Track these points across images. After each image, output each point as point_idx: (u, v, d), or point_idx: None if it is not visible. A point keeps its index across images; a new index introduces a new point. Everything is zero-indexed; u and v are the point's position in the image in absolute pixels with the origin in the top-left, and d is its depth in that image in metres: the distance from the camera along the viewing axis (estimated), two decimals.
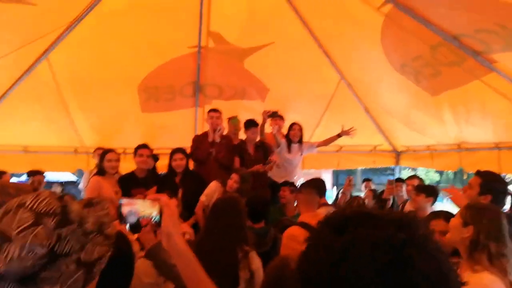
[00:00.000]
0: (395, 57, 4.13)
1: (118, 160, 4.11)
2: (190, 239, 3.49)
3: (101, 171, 4.01)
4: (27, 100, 4.84)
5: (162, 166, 5.00)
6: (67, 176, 9.77)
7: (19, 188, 1.45)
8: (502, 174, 4.22)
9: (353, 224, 0.56)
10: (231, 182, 3.90)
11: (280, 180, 4.68)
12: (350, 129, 4.91)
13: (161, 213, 1.03)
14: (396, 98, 4.99)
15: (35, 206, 0.78)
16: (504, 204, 2.71)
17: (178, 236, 1.02)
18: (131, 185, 4.06)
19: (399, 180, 5.34)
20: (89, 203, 0.87)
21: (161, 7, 4.12)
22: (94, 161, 5.40)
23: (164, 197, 1.05)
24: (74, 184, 10.40)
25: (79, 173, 6.53)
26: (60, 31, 4.20)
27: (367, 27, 3.99)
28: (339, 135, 4.98)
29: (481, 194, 2.62)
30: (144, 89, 5.08)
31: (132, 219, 1.04)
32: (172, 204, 1.05)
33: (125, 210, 1.04)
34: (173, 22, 4.34)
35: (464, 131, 4.55)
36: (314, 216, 2.78)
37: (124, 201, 1.06)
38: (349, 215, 0.58)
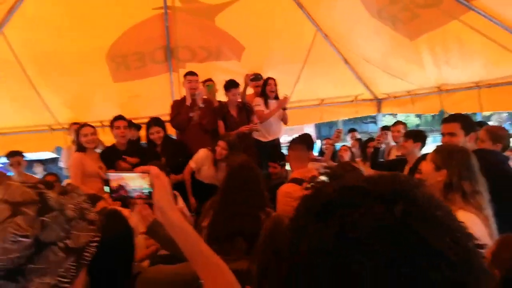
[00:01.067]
0: (371, 3, 3.98)
1: (94, 133, 3.96)
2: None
3: (80, 147, 3.88)
4: None
5: (143, 137, 4.90)
6: (47, 154, 9.53)
7: None
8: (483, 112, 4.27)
9: (340, 207, 0.48)
10: (219, 149, 3.84)
11: (265, 140, 4.65)
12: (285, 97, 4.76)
13: (152, 185, 0.96)
14: (374, 45, 4.88)
15: (7, 197, 0.72)
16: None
17: (171, 209, 0.97)
18: (113, 159, 3.98)
19: (385, 128, 5.37)
20: (64, 191, 0.81)
21: None
22: (70, 138, 5.25)
23: (154, 169, 0.98)
24: (55, 161, 10.21)
25: (58, 151, 6.34)
26: (11, 3, 3.88)
27: None
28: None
29: (466, 135, 2.60)
30: (113, 58, 4.83)
31: (122, 193, 0.99)
32: (163, 176, 0.99)
33: (113, 184, 0.99)
34: None
35: (444, 73, 4.53)
36: (306, 172, 2.78)
37: (112, 175, 1.00)
38: (333, 197, 0.50)
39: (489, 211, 1.87)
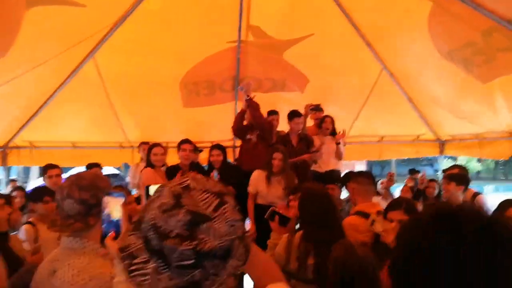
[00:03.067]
0: (443, 44, 3.98)
1: (164, 153, 4.27)
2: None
3: (150, 164, 4.16)
4: (75, 99, 5.05)
5: (204, 159, 5.13)
6: (110, 170, 10.20)
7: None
8: None
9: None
10: (276, 162, 3.97)
11: (322, 170, 4.72)
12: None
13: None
14: (443, 86, 4.82)
15: (204, 188, 0.81)
16: None
17: None
18: (174, 176, 4.20)
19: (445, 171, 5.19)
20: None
21: (202, 3, 4.16)
22: (138, 155, 5.60)
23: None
24: (117, 176, 10.85)
25: (125, 167, 6.77)
26: (105, 31, 4.34)
27: (413, 15, 3.87)
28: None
29: None
30: (185, 85, 5.17)
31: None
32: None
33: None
34: (213, 18, 4.38)
35: None
36: (371, 206, 2.78)
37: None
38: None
39: None
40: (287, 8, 4.32)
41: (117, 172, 11.18)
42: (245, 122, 4.73)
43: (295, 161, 4.53)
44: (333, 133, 4.99)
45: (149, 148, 4.29)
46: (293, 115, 4.69)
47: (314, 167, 4.87)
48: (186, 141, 4.44)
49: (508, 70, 3.69)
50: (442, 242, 0.61)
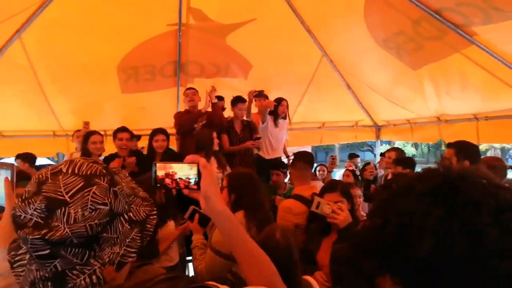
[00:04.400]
0: (378, 32, 4.16)
1: (102, 142, 4.08)
2: None
3: (85, 153, 3.94)
4: (1, 83, 4.65)
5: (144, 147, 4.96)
6: (43, 161, 9.55)
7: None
8: (480, 144, 4.40)
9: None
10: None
11: (268, 157, 4.72)
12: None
13: (199, 175, 0.98)
14: (379, 73, 5.05)
15: (77, 171, 0.76)
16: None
17: (216, 197, 0.98)
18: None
19: (382, 154, 5.49)
20: (112, 171, 0.85)
21: None
22: (73, 145, 5.29)
23: (202, 160, 1.00)
24: None
25: (60, 157, 6.37)
26: (33, 9, 4.00)
27: (351, 4, 3.98)
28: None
29: (458, 162, 2.76)
30: (123, 70, 4.94)
31: (167, 182, 1.01)
32: (210, 166, 1.01)
33: (160, 173, 1.01)
34: None
35: (444, 104, 4.68)
36: (309, 189, 2.85)
37: (159, 164, 1.01)
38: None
39: None
40: None
41: (51, 162, 10.54)
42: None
43: (238, 148, 4.53)
44: (286, 117, 4.94)
45: (86, 136, 4.05)
46: (237, 100, 4.65)
47: (260, 152, 4.86)
48: (122, 129, 4.16)
49: (435, 57, 3.95)
50: (444, 214, 0.54)
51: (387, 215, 0.60)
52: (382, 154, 5.78)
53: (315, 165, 5.13)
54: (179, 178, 1.00)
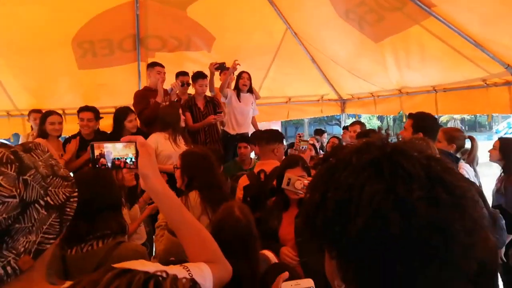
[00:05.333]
0: (340, 3, 4.12)
1: (61, 122, 3.92)
2: None
3: (42, 134, 3.77)
4: None
5: (106, 126, 4.75)
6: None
7: None
8: (438, 116, 4.54)
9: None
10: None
11: (234, 132, 4.67)
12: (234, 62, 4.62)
13: (137, 154, 0.97)
14: (341, 46, 5.05)
15: None
16: (435, 139, 2.97)
17: (156, 176, 0.97)
18: (78, 147, 3.87)
19: (345, 127, 5.57)
20: (28, 148, 0.79)
21: None
22: (29, 124, 5.04)
23: (140, 138, 0.98)
24: None
25: (15, 138, 6.07)
26: None
27: None
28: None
29: (414, 133, 2.90)
30: (79, 44, 4.69)
31: (102, 162, 0.98)
32: (148, 145, 0.99)
33: (96, 152, 0.98)
34: None
35: (405, 76, 4.76)
36: (269, 164, 2.87)
37: (96, 144, 0.99)
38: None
39: None
40: None
41: (7, 143, 10.07)
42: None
43: (201, 125, 4.45)
44: (250, 90, 4.81)
45: (43, 116, 3.86)
46: (197, 76, 4.52)
47: (225, 128, 4.79)
48: (84, 108, 3.98)
49: (395, 29, 3.97)
50: (379, 189, 0.53)
51: (325, 189, 0.58)
52: (345, 128, 5.86)
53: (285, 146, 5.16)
54: (115, 158, 0.98)
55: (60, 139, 4.10)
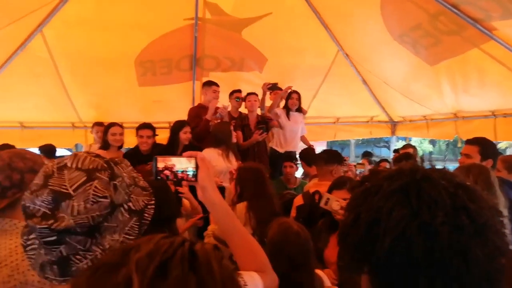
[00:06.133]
0: (394, 27, 4.12)
1: (122, 133, 4.12)
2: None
3: (105, 145, 4.02)
4: (23, 75, 4.80)
5: (160, 139, 4.97)
6: (63, 152, 9.79)
7: (33, 155, 1.49)
8: (496, 142, 4.33)
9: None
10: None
11: (282, 150, 4.73)
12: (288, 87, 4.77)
13: (196, 168, 1.05)
14: (395, 68, 5.01)
15: (80, 165, 0.83)
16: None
17: (213, 188, 1.06)
18: (135, 162, 3.98)
19: (396, 151, 5.44)
20: (115, 162, 0.91)
21: None
22: (92, 136, 5.42)
23: (200, 154, 1.07)
24: None
25: (78, 148, 6.52)
26: (53, 4, 4.12)
27: None
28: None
29: (482, 161, 2.66)
30: (141, 63, 5.03)
31: (166, 173, 1.07)
32: (207, 160, 1.08)
33: (160, 165, 1.07)
34: None
35: (461, 100, 4.61)
36: (325, 185, 2.87)
37: (159, 158, 1.08)
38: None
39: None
40: None
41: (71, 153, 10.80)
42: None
43: (250, 143, 4.50)
44: (299, 109, 4.92)
45: (107, 128, 4.11)
46: (249, 93, 4.67)
47: (273, 145, 4.86)
48: (144, 126, 4.12)
49: (452, 53, 3.89)
50: (405, 214, 0.58)
51: (358, 211, 0.64)
52: (396, 151, 5.73)
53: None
54: (178, 171, 1.07)
55: (121, 150, 4.32)
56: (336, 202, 2.21)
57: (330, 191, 2.43)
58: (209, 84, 4.67)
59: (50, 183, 0.80)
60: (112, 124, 4.09)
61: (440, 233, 0.55)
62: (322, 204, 2.25)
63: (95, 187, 0.81)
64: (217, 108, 4.51)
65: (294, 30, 4.95)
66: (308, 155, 4.16)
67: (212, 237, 2.25)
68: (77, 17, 4.32)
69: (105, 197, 0.81)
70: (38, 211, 0.78)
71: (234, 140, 4.05)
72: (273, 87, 4.81)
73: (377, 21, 4.12)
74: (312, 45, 5.24)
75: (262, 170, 2.51)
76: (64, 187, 0.79)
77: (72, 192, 0.79)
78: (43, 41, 4.47)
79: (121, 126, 4.13)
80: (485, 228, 0.57)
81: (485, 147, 2.74)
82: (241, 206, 2.34)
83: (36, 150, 5.10)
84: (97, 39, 4.61)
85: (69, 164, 0.83)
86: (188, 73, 5.43)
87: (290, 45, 5.09)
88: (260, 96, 4.84)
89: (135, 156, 4.10)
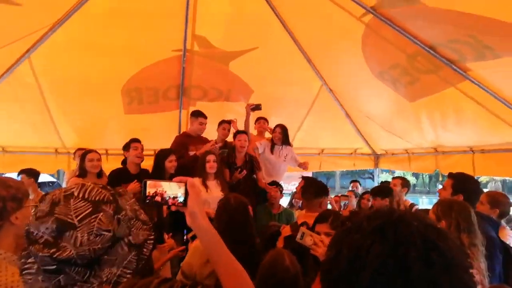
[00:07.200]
0: (374, 64, 4.28)
1: (99, 159, 4.09)
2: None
3: (82, 172, 3.98)
4: (7, 100, 4.78)
5: (146, 166, 4.96)
6: (45, 177, 9.59)
7: (17, 182, 1.48)
8: (476, 176, 4.44)
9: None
10: (211, 164, 4.03)
11: (264, 181, 4.75)
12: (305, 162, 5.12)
13: (186, 194, 1.06)
14: (376, 104, 5.16)
15: (87, 196, 0.84)
16: (476, 202, 2.88)
17: (202, 215, 1.06)
18: (122, 180, 3.92)
19: (384, 182, 5.54)
20: (119, 193, 0.93)
21: (147, 11, 4.12)
22: (75, 162, 5.37)
23: (190, 179, 1.08)
24: (53, 184, 10.23)
25: (60, 175, 6.44)
26: (43, 32, 4.16)
27: (349, 36, 4.11)
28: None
29: (453, 194, 2.80)
30: (127, 92, 5.07)
31: (157, 199, 1.07)
32: (197, 186, 1.09)
33: (150, 191, 1.07)
34: (158, 25, 4.35)
35: (440, 136, 4.75)
36: (313, 217, 2.89)
37: (149, 182, 1.08)
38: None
39: (483, 265, 1.94)
40: (232, 21, 4.41)
41: (54, 179, 10.58)
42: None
43: (234, 181, 4.46)
44: (286, 142, 4.98)
45: (84, 154, 4.08)
46: (237, 132, 4.65)
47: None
48: (136, 140, 4.20)
49: (430, 91, 4.05)
50: (382, 251, 0.63)
51: (340, 248, 0.68)
52: (384, 182, 5.78)
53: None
54: (168, 197, 1.07)
55: (101, 177, 4.28)
56: (310, 237, 2.19)
57: (314, 224, 2.45)
58: (196, 115, 4.71)
59: (56, 211, 0.81)
60: (89, 151, 4.06)
61: (413, 268, 0.60)
62: (297, 238, 2.25)
63: (100, 219, 0.82)
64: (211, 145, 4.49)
65: (280, 64, 5.09)
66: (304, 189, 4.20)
67: (181, 274, 2.22)
68: (65, 44, 4.35)
69: (108, 231, 0.83)
70: (41, 237, 0.79)
71: (209, 170, 4.03)
72: (256, 108, 4.89)
73: (358, 57, 4.28)
74: (297, 79, 5.38)
75: (243, 209, 2.48)
76: (69, 216, 0.80)
77: (76, 223, 0.80)
78: (30, 67, 4.48)
79: (97, 152, 4.08)
80: (453, 264, 0.63)
81: (458, 182, 2.84)
82: None
83: (14, 175, 5.01)
84: (83, 67, 4.64)
85: (76, 194, 0.84)
86: (175, 102, 5.49)
87: (276, 78, 5.22)
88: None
89: (123, 175, 4.08)
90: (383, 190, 4.23)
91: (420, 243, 0.63)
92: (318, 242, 2.22)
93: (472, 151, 4.60)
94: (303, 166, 5.10)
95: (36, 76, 4.60)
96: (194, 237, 2.29)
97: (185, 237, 4.05)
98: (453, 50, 3.36)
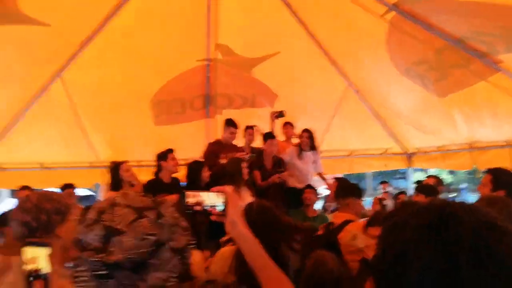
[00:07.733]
0: (399, 62, 4.19)
1: (131, 169, 4.16)
2: None
3: (115, 185, 4.04)
4: (43, 119, 5.01)
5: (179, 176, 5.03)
6: (83, 191, 9.93)
7: (59, 196, 1.55)
8: None
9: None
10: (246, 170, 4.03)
11: (299, 186, 4.74)
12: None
13: (225, 203, 1.08)
14: (404, 101, 5.04)
15: (130, 203, 0.89)
16: None
17: (242, 223, 1.08)
18: (157, 190, 3.88)
19: (418, 182, 5.35)
20: (158, 202, 0.97)
21: (170, 22, 4.25)
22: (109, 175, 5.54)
23: (229, 188, 1.11)
24: (90, 198, 10.58)
25: (98, 188, 6.66)
26: (72, 50, 4.36)
27: (372, 34, 4.07)
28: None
29: (493, 190, 2.69)
30: (156, 103, 5.21)
31: (197, 209, 1.10)
32: (236, 195, 1.12)
33: (190, 200, 1.11)
34: (182, 37, 4.48)
35: (475, 131, 4.57)
36: (340, 217, 2.85)
37: (189, 193, 1.12)
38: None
39: None
40: (253, 27, 4.46)
41: (91, 193, 10.92)
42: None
43: (267, 183, 4.52)
44: (313, 147, 4.94)
45: (115, 166, 4.10)
46: (268, 136, 4.68)
47: (293, 183, 4.86)
48: (172, 150, 4.23)
49: (460, 86, 3.91)
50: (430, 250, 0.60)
51: (386, 245, 0.67)
52: (418, 182, 5.60)
53: None
54: (208, 206, 1.11)
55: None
56: (360, 239, 2.15)
57: (366, 227, 2.38)
58: (228, 124, 4.74)
59: (103, 219, 0.86)
60: (120, 162, 4.10)
61: (462, 269, 0.57)
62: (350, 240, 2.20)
63: (144, 224, 0.86)
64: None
65: (303, 67, 5.09)
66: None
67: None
68: (94, 62, 4.55)
69: (152, 235, 0.86)
70: (90, 244, 0.83)
71: (246, 176, 4.07)
72: (279, 115, 4.91)
73: (383, 57, 4.20)
74: (321, 81, 5.34)
75: (270, 209, 2.46)
76: (115, 223, 0.85)
77: (123, 228, 0.84)
78: (63, 85, 4.69)
79: (128, 163, 4.16)
80: (507, 267, 0.58)
81: (498, 177, 2.72)
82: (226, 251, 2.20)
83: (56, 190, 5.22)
84: (112, 81, 4.83)
85: (118, 201, 0.89)
86: (201, 111, 5.58)
87: (299, 81, 5.22)
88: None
89: (157, 185, 4.14)
90: (429, 188, 4.02)
91: (472, 242, 0.59)
92: (370, 245, 2.18)
93: (509, 145, 4.39)
94: (330, 187, 4.93)
95: (68, 93, 4.81)
96: (227, 242, 2.29)
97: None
98: (483, 43, 3.25)
